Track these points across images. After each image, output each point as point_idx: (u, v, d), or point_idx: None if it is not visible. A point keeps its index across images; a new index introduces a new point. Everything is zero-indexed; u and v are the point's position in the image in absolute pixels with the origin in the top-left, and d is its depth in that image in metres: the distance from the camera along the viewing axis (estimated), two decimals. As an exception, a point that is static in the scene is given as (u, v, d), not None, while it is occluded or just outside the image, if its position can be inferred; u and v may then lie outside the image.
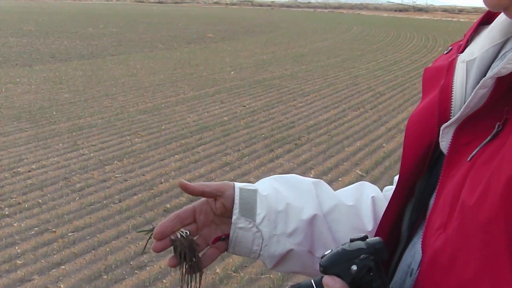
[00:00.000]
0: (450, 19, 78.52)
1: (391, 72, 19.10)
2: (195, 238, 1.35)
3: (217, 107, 12.97)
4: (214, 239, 1.36)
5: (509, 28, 1.08)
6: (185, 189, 1.36)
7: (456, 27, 49.47)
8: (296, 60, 22.02)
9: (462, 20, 74.72)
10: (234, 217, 1.34)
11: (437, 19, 75.57)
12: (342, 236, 1.35)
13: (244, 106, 13.05)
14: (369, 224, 1.37)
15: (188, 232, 1.33)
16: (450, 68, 1.12)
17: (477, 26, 1.19)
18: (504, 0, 0.97)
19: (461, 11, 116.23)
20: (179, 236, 1.32)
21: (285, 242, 1.35)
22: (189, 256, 1.31)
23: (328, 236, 1.37)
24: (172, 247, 1.32)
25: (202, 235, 1.36)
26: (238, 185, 1.37)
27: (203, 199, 1.37)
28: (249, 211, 1.35)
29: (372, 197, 1.40)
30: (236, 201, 1.34)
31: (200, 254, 1.34)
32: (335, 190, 1.44)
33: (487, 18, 1.17)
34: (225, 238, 1.36)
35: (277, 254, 1.36)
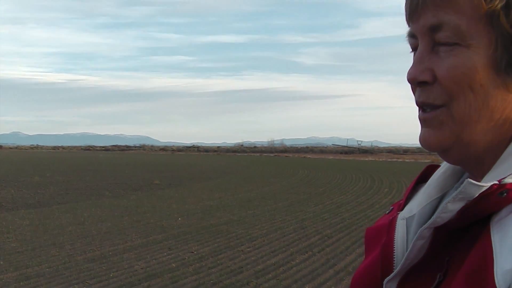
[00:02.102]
0: (395, 160, 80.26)
1: (338, 215, 19.36)
2: None
3: (165, 254, 12.93)
4: None
5: (445, 183, 1.13)
6: None
7: (401, 168, 50.78)
8: (243, 205, 22.24)
9: (407, 160, 76.48)
10: None
11: (382, 161, 77.18)
12: None
13: (192, 252, 13.05)
14: None
15: None
16: (391, 226, 1.14)
17: (414, 185, 1.21)
18: (446, 141, 1.02)
19: (406, 151, 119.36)
20: None
21: None
22: None
23: None
24: None
25: None
26: None
27: None
28: None
29: None
30: None
31: None
32: None
33: (424, 177, 1.21)
34: None
35: None
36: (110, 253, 12.95)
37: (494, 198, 0.92)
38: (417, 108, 1.07)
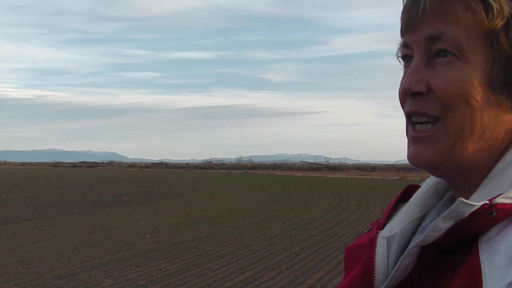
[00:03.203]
0: (363, 176, 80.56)
1: (306, 232, 19.44)
2: None
3: (133, 271, 12.91)
4: None
5: (427, 202, 1.14)
6: None
7: (369, 185, 51.10)
8: (212, 222, 22.26)
9: (375, 177, 76.77)
10: None
11: (351, 177, 77.46)
12: None
13: (160, 269, 13.06)
14: None
15: None
16: (371, 244, 1.13)
17: (394, 204, 1.21)
18: (438, 158, 1.02)
19: (374, 168, 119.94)
20: None
21: None
22: None
23: None
24: None
25: None
26: None
27: None
28: None
29: None
30: None
31: None
32: None
33: (404, 196, 1.21)
34: None
35: None
36: (78, 270, 12.92)
37: (483, 217, 0.93)
38: (404, 121, 1.08)
